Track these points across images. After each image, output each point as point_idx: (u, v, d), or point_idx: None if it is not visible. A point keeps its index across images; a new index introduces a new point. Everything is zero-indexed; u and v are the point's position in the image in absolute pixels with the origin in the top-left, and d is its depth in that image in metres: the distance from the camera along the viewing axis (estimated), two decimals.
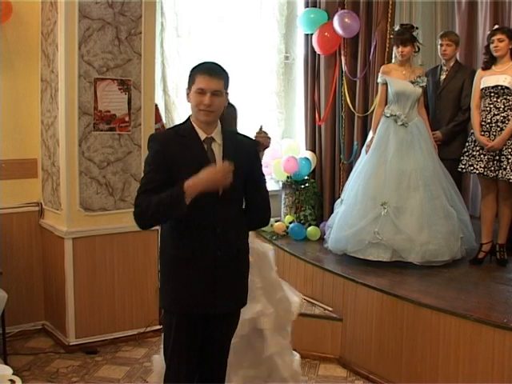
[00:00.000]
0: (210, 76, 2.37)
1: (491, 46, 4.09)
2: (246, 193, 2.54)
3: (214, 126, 2.46)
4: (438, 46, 4.71)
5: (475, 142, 4.18)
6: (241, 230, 2.52)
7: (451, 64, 4.68)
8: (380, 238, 4.10)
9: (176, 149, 2.39)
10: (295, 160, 5.25)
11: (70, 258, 4.01)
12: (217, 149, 2.45)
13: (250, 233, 2.64)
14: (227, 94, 2.47)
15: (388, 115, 4.35)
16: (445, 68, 4.72)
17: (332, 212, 4.85)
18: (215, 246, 2.40)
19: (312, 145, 5.57)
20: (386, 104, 4.44)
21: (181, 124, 2.52)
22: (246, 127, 3.08)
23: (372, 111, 4.84)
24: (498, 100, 4.07)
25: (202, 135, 2.43)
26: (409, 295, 3.58)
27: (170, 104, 5.05)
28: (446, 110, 4.66)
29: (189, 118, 2.49)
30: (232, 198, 2.44)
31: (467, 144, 4.26)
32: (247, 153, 2.52)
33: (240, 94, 5.39)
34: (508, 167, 3.97)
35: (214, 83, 2.36)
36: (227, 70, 2.47)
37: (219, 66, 2.46)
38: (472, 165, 4.17)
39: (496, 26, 4.27)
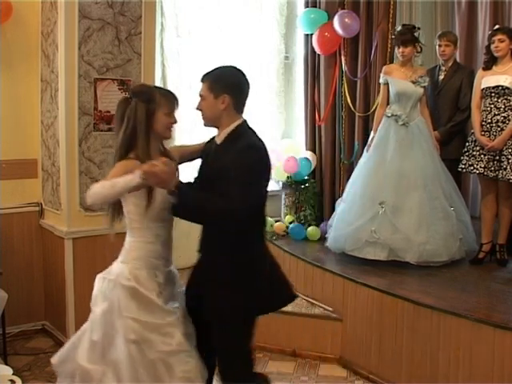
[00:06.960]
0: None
1: (492, 46, 4.09)
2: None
3: (221, 130, 2.49)
4: (437, 47, 4.70)
5: (475, 141, 4.17)
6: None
7: (450, 64, 4.68)
8: (377, 237, 4.09)
9: None
10: (295, 160, 5.25)
11: (70, 258, 4.00)
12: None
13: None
14: (217, 96, 2.39)
15: (389, 115, 4.35)
16: (443, 68, 4.72)
17: (332, 212, 4.85)
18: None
19: (312, 145, 5.58)
20: (387, 104, 4.44)
21: None
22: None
23: (373, 111, 4.84)
24: (499, 100, 4.06)
25: (218, 139, 2.52)
26: (409, 295, 3.57)
27: None
28: (445, 110, 4.66)
29: None
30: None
31: (467, 144, 4.25)
32: (233, 155, 2.36)
33: None
34: (508, 167, 3.96)
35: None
36: (216, 72, 2.44)
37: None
38: (472, 165, 4.17)
39: (496, 26, 4.27)
